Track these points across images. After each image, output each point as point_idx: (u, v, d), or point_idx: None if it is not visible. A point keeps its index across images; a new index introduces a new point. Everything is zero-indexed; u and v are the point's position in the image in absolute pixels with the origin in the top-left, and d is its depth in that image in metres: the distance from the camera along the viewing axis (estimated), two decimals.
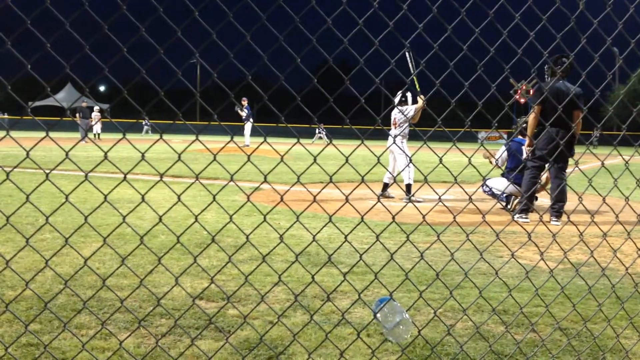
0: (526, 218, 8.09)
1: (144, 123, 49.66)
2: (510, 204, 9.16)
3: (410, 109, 9.78)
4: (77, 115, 30.70)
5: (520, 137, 9.32)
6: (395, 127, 10.23)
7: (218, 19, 2.10)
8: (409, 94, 9.98)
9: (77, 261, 4.84)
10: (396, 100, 10.07)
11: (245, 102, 26.12)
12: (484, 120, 2.67)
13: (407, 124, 10.01)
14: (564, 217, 7.89)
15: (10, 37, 1.83)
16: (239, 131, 26.73)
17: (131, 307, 3.80)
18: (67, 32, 1.91)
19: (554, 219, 7.91)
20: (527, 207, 8.26)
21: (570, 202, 8.55)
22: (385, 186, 10.19)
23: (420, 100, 9.81)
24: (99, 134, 34.58)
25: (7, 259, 2.09)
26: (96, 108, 33.31)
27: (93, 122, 32.90)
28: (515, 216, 8.14)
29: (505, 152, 9.31)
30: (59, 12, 1.90)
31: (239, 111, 26.10)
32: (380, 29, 2.31)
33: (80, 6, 1.89)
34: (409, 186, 9.85)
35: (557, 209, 7.92)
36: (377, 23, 2.39)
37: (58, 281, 4.26)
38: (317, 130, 44.03)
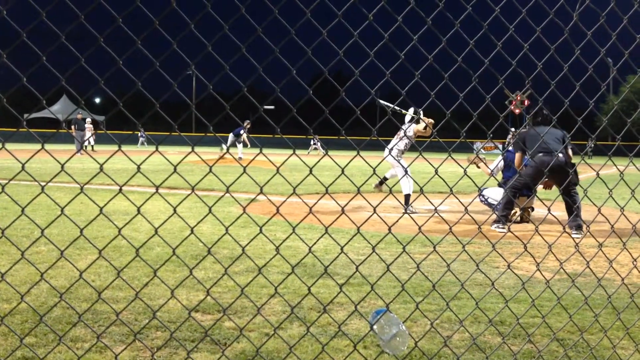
0: (503, 228, 8.12)
1: (139, 135, 49.34)
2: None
3: (410, 130, 9.76)
4: (73, 127, 30.62)
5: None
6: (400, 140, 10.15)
7: (214, 30, 2.11)
8: (420, 112, 9.94)
9: (73, 274, 4.82)
10: (407, 117, 10.09)
11: (248, 126, 25.99)
12: (479, 130, 2.68)
13: (406, 140, 9.95)
14: (560, 227, 7.90)
15: (6, 50, 1.83)
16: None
17: (127, 320, 3.78)
18: (63, 44, 1.92)
19: (574, 232, 7.88)
20: (506, 216, 8.29)
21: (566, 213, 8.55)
22: (384, 179, 10.22)
23: (423, 123, 9.78)
24: (92, 146, 34.27)
25: (2, 272, 2.08)
26: (88, 120, 33.00)
27: (87, 135, 32.71)
28: (492, 226, 8.23)
29: (502, 162, 9.36)
30: (55, 24, 1.91)
31: (244, 133, 25.98)
32: (376, 40, 2.32)
33: (76, 19, 1.89)
34: (407, 197, 9.83)
35: (572, 220, 7.91)
36: (373, 34, 2.40)
37: (53, 294, 4.24)
38: (312, 142, 43.95)
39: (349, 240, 2.53)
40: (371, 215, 2.52)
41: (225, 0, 2.12)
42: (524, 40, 2.53)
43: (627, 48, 2.79)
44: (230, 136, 26.50)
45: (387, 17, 2.33)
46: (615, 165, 2.80)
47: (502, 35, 2.51)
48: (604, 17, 2.67)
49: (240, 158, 24.11)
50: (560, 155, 7.93)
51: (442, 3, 2.37)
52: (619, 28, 2.75)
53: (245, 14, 2.11)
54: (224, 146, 24.81)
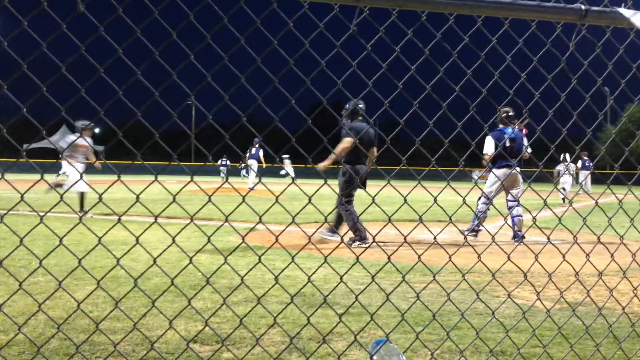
0: (362, 242, 8.41)
1: (240, 167, 41.43)
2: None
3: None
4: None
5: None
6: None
7: (213, 60, 2.13)
8: None
9: (70, 304, 4.79)
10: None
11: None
12: (477, 158, 2.69)
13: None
14: (560, 257, 7.90)
15: (7, 82, 1.84)
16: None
17: (124, 351, 3.75)
18: (63, 74, 1.93)
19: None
20: (361, 235, 8.47)
21: (565, 242, 8.54)
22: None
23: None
24: None
25: (0, 303, 2.07)
26: None
27: None
28: (355, 243, 8.45)
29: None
30: (54, 54, 1.92)
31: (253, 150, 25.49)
32: (374, 70, 2.34)
33: (77, 50, 1.91)
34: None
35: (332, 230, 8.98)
36: (371, 64, 2.42)
37: (51, 325, 4.21)
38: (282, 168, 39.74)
39: (349, 270, 2.52)
40: (370, 244, 2.51)
41: (225, 30, 2.14)
42: (521, 69, 2.56)
43: (624, 77, 2.82)
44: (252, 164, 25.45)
45: (385, 47, 2.35)
46: (614, 193, 2.80)
47: (500, 64, 2.53)
48: (600, 47, 2.70)
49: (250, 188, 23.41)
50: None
51: (440, 33, 2.40)
52: (615, 57, 2.78)
53: (245, 44, 2.13)
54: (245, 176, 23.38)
